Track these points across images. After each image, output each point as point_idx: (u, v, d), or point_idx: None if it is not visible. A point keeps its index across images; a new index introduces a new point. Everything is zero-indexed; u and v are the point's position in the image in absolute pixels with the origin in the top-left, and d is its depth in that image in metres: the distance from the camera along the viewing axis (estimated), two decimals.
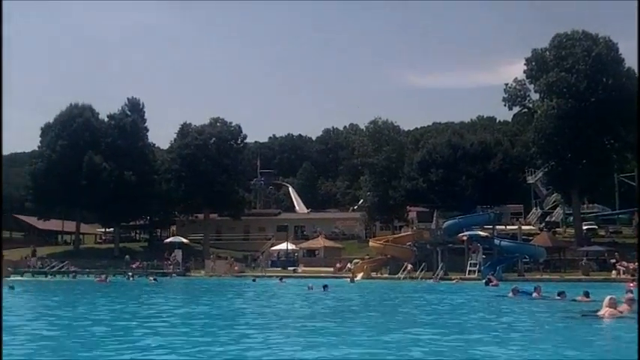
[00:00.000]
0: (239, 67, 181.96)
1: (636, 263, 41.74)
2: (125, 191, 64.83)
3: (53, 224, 77.70)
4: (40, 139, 70.36)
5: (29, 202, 70.79)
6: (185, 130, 71.76)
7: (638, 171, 61.48)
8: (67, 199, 66.40)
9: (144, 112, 73.44)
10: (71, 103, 71.01)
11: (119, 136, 68.98)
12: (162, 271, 55.57)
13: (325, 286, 30.09)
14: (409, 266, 47.48)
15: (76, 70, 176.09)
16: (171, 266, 57.01)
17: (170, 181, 68.69)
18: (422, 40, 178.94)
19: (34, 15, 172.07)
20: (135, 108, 72.84)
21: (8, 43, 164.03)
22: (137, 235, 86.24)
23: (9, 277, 44.72)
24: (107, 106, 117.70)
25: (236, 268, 56.35)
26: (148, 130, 73.39)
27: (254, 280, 44.22)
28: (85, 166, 64.92)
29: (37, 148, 72.10)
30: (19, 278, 47.16)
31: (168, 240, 68.04)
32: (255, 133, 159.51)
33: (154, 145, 77.45)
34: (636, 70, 55.40)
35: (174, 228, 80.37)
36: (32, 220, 76.70)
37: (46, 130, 69.84)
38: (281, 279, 44.69)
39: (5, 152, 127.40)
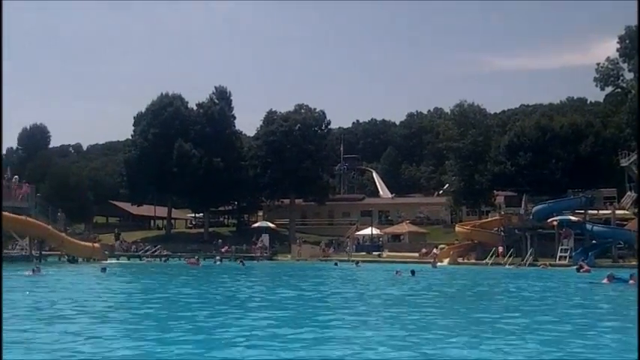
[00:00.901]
0: (323, 54, 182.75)
1: None
2: (214, 177, 66.62)
3: (146, 210, 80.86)
4: (133, 128, 73.23)
5: (124, 189, 73.99)
6: (270, 117, 72.88)
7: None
8: (158, 185, 68.96)
9: (231, 100, 75.06)
10: (162, 93, 73.45)
11: (207, 124, 70.79)
12: (249, 255, 56.93)
13: (413, 272, 30.10)
14: (500, 249, 46.76)
15: (166, 62, 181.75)
16: (259, 250, 58.28)
17: (257, 167, 70.03)
18: (507, 21, 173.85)
19: (126, 13, 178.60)
20: (222, 96, 74.51)
21: (106, 40, 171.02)
22: (226, 220, 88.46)
23: (106, 260, 47.13)
24: (196, 95, 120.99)
25: (331, 251, 57.28)
26: (235, 118, 75.01)
27: (336, 265, 44.75)
28: (175, 153, 67.09)
29: (130, 137, 75.07)
30: (115, 261, 49.51)
31: (255, 225, 69.57)
32: (339, 119, 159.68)
33: (241, 132, 79.04)
34: None
35: (261, 213, 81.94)
36: (126, 206, 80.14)
37: (138, 120, 72.58)
38: (357, 263, 45.22)
39: (101, 141, 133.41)
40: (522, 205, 52.48)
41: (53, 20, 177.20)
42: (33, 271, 28.25)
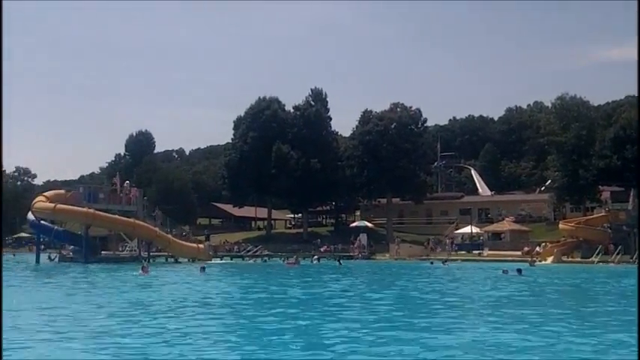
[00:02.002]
0: (417, 52, 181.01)
1: None
2: (311, 178, 67.52)
3: (247, 211, 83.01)
4: (233, 132, 75.39)
5: (225, 191, 76.26)
6: (366, 116, 72.97)
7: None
8: (258, 187, 70.66)
9: (327, 101, 75.80)
10: (259, 97, 75.19)
11: (304, 126, 71.82)
12: (348, 254, 57.30)
13: (519, 270, 29.54)
14: (611, 246, 44.84)
15: (263, 66, 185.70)
16: (357, 249, 58.54)
17: (353, 167, 70.32)
18: (610, 9, 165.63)
19: (222, 20, 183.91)
20: (318, 98, 75.36)
21: (205, 47, 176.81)
22: (324, 220, 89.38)
23: (210, 260, 48.83)
24: (292, 97, 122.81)
25: (439, 250, 56.75)
26: (330, 119, 75.69)
27: (445, 264, 44.29)
28: (273, 155, 68.51)
29: (230, 141, 77.36)
30: (219, 261, 51.20)
31: (353, 224, 69.90)
32: (435, 117, 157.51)
33: (337, 132, 79.60)
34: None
35: (358, 213, 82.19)
36: (228, 208, 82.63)
37: (238, 124, 74.65)
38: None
39: (203, 146, 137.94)
40: (630, 201, 49.95)
41: (156, 32, 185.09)
42: (142, 269, 29.73)
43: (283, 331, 11.88)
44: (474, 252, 55.27)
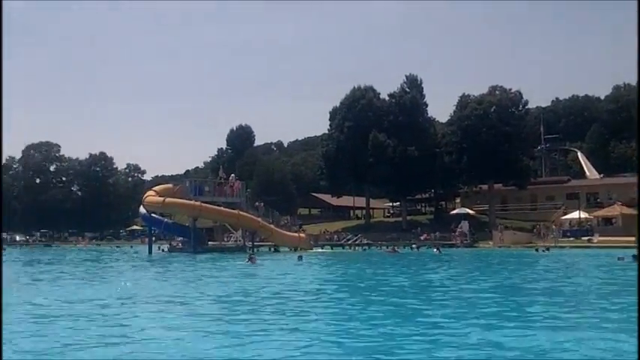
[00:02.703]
0: (514, 32, 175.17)
1: None
2: (408, 166, 66.95)
3: (345, 200, 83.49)
4: (329, 122, 75.96)
5: (323, 181, 76.99)
6: (464, 101, 71.40)
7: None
8: (355, 176, 70.88)
9: (422, 87, 74.80)
10: (354, 87, 75.30)
11: (400, 113, 71.26)
12: (448, 242, 56.51)
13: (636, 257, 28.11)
14: None
15: (358, 56, 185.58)
16: (458, 237, 57.62)
17: (451, 153, 69.03)
18: None
19: (319, 13, 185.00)
20: (413, 84, 74.51)
21: (301, 40, 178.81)
22: (423, 208, 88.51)
23: (311, 249, 49.56)
24: (387, 85, 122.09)
25: (551, 236, 54.96)
26: (427, 105, 74.68)
27: (544, 251, 42.84)
28: (370, 144, 68.46)
29: (327, 131, 78.01)
30: (320, 250, 51.87)
31: (453, 212, 68.81)
32: (537, 98, 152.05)
33: (434, 119, 78.46)
34: None
35: (458, 200, 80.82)
36: (327, 197, 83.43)
37: (334, 114, 75.12)
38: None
39: (300, 137, 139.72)
40: None
41: (257, 26, 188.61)
42: (250, 259, 30.51)
43: (400, 321, 11.78)
44: (583, 238, 53.09)
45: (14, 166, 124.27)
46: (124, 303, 14.66)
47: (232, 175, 52.40)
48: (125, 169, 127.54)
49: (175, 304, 14.58)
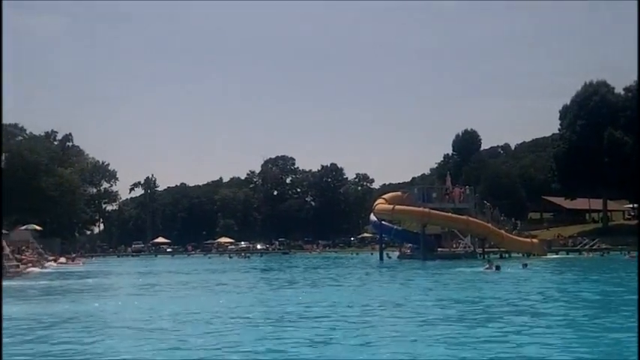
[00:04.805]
0: None
1: None
2: None
3: (580, 203, 79.14)
4: (559, 122, 72.77)
5: (555, 184, 73.74)
6: None
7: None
8: (590, 177, 66.85)
9: None
10: (585, 82, 71.29)
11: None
12: None
13: None
14: None
15: (586, 50, 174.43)
16: None
17: None
18: None
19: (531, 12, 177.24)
20: None
21: (523, 38, 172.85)
22: None
23: (545, 255, 47.96)
24: (622, 79, 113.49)
25: None
26: None
27: None
28: (605, 142, 64.33)
29: (557, 131, 74.75)
30: (554, 256, 50.00)
31: None
32: None
33: None
34: None
35: None
36: (559, 200, 79.71)
37: (564, 113, 71.77)
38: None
39: (527, 139, 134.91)
40: None
41: (463, 28, 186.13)
42: (489, 266, 30.45)
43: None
44: None
45: (254, 179, 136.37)
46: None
47: (468, 186, 52.83)
48: (354, 178, 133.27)
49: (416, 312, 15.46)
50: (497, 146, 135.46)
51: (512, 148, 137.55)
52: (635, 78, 65.11)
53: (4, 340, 9.87)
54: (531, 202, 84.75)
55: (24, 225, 61.24)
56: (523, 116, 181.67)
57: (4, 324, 11.55)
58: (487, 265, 30.97)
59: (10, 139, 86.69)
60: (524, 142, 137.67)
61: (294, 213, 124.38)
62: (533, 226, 71.74)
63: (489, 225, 47.07)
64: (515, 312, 14.34)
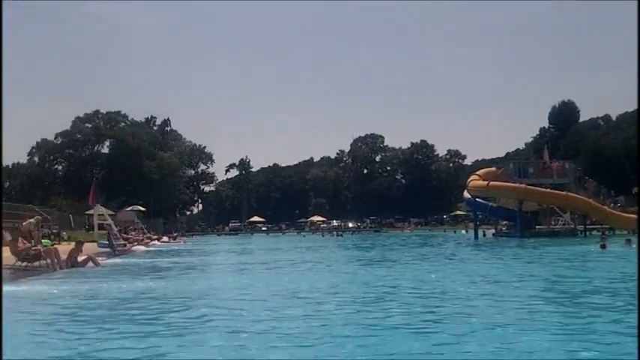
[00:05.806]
0: None
1: None
2: None
3: None
4: None
5: None
6: None
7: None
8: None
9: None
10: None
11: None
12: None
13: None
14: None
15: None
16: None
17: None
18: None
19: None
20: None
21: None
22: None
23: None
24: None
25: None
26: None
27: None
28: None
29: None
30: None
31: None
32: None
33: None
34: None
35: None
36: None
37: None
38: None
39: (629, 109, 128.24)
40: None
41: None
42: (601, 245, 29.19)
43: None
44: None
45: (344, 158, 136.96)
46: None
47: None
48: (446, 155, 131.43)
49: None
50: (597, 117, 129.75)
51: (614, 119, 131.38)
52: None
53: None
54: (636, 175, 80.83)
55: (130, 206, 64.44)
56: (625, 85, 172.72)
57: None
58: (601, 243, 29.69)
59: (113, 126, 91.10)
60: (626, 112, 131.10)
61: (385, 191, 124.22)
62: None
63: (591, 201, 45.25)
64: None
